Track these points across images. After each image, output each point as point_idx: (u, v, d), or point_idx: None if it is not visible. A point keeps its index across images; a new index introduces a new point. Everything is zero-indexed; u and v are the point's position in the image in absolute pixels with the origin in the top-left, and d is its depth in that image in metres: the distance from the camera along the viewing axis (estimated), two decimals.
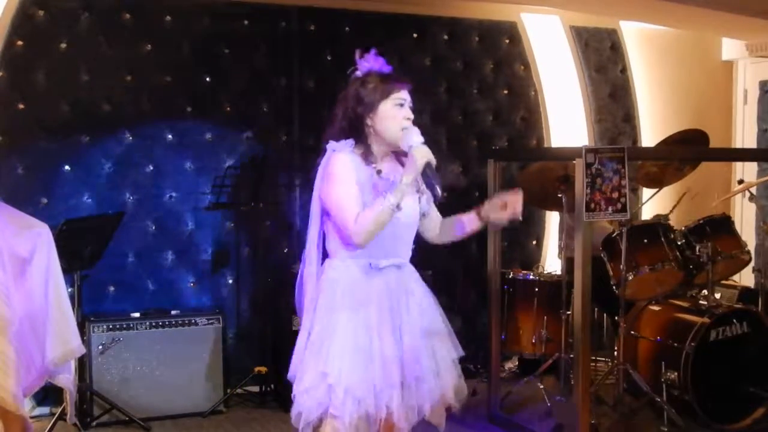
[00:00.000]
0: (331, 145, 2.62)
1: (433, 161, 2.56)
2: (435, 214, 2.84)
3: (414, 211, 2.69)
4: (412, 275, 2.77)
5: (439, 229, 2.85)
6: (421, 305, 2.77)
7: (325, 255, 2.69)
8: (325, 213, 2.63)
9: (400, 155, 2.70)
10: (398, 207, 2.50)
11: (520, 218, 2.74)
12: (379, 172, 2.64)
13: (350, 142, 2.62)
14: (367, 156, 2.63)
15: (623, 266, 4.37)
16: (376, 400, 2.55)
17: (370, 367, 2.56)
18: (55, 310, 3.21)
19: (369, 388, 2.55)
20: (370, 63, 2.68)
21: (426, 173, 2.55)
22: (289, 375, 2.65)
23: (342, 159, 2.58)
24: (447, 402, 2.73)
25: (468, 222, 2.82)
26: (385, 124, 2.61)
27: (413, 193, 2.66)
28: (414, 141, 2.56)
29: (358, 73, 2.68)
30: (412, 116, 2.64)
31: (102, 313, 4.54)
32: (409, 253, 2.75)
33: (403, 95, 2.63)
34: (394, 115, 2.61)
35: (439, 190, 2.55)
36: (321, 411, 2.53)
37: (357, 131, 2.63)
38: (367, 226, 2.50)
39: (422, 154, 2.53)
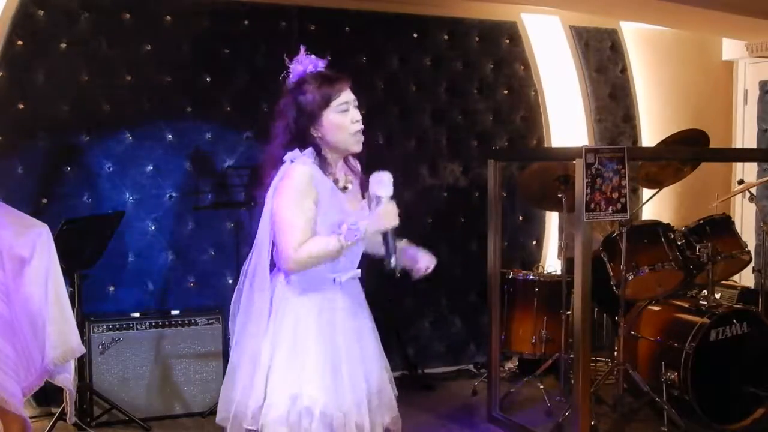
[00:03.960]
0: (289, 155, 2.42)
1: (396, 226, 2.41)
2: None
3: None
4: (359, 287, 2.66)
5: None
6: (368, 317, 2.68)
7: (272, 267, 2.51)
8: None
9: (350, 161, 2.56)
10: (347, 249, 2.35)
11: (426, 273, 2.64)
12: (336, 182, 2.47)
13: (310, 151, 2.43)
14: (324, 166, 2.45)
15: (623, 266, 4.37)
16: (347, 420, 2.45)
17: (339, 387, 2.45)
18: (54, 309, 3.20)
19: (342, 408, 2.45)
20: (303, 64, 2.50)
21: (386, 236, 2.40)
22: (243, 398, 2.44)
23: (301, 171, 2.38)
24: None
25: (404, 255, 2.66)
26: (333, 134, 2.44)
27: (361, 202, 2.53)
28: (383, 194, 2.39)
29: (292, 78, 2.50)
30: (359, 117, 2.47)
31: (102, 313, 4.54)
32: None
33: (345, 97, 2.45)
34: (341, 123, 2.44)
35: (393, 259, 2.40)
36: None
37: (304, 143, 2.44)
38: (306, 258, 2.34)
39: (392, 216, 2.38)
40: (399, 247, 2.55)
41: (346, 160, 2.57)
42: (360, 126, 2.48)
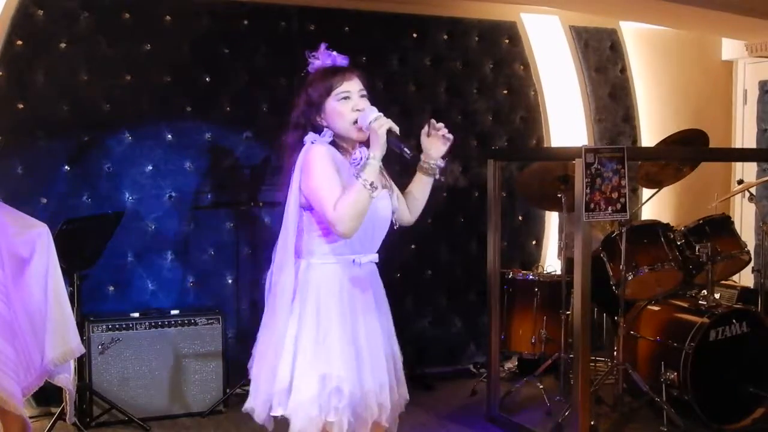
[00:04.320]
0: (310, 136, 2.56)
1: (395, 128, 2.49)
2: (401, 197, 2.78)
3: (387, 207, 2.64)
4: (377, 274, 2.73)
5: (408, 207, 2.79)
6: (386, 307, 2.74)
7: (297, 253, 2.58)
8: (304, 207, 2.55)
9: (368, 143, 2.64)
10: (372, 186, 2.42)
11: (452, 137, 2.64)
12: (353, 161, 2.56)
13: (329, 133, 2.57)
14: (339, 148, 2.58)
15: (623, 266, 4.37)
16: (369, 402, 2.51)
17: (363, 369, 2.52)
18: (54, 309, 3.20)
19: (364, 390, 2.51)
20: (320, 59, 2.62)
21: (390, 140, 2.48)
22: (269, 387, 2.52)
23: (320, 150, 2.52)
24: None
25: (417, 182, 2.73)
26: (334, 121, 2.56)
27: (384, 190, 2.61)
28: (372, 117, 2.48)
29: (310, 71, 2.63)
30: (363, 106, 2.56)
31: (101, 312, 4.54)
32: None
33: (347, 87, 2.55)
34: (340, 111, 2.54)
35: (407, 150, 2.48)
36: (322, 419, 2.46)
37: (314, 131, 2.58)
38: (347, 209, 2.41)
39: (381, 124, 2.45)
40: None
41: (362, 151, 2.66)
42: (357, 114, 2.54)
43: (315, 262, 2.56)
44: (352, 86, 2.56)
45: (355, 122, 2.54)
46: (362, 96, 2.58)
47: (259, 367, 2.61)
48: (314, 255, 2.57)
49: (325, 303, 2.53)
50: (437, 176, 2.69)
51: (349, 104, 2.55)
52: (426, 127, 2.66)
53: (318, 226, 2.55)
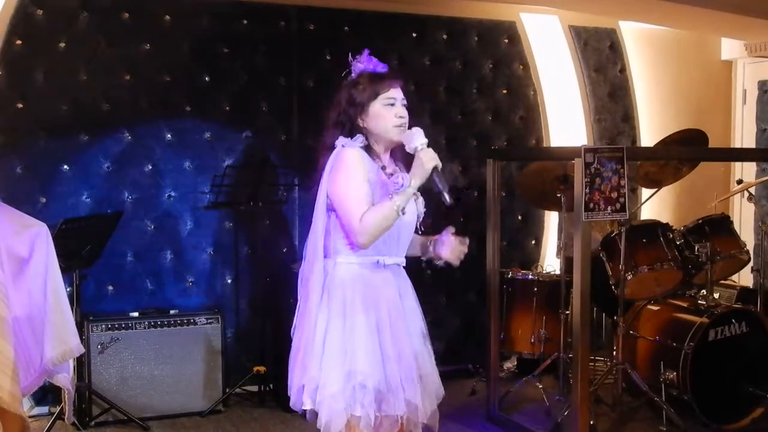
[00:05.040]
0: (341, 140, 2.63)
1: (440, 165, 2.55)
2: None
3: (413, 212, 2.69)
4: (405, 275, 2.79)
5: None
6: (415, 306, 2.79)
7: (324, 253, 2.66)
8: (330, 208, 2.62)
9: (396, 155, 2.72)
10: (403, 211, 2.50)
11: (456, 264, 2.76)
12: (383, 168, 2.64)
13: (360, 138, 2.64)
14: (370, 153, 2.64)
15: (622, 266, 4.38)
16: (396, 398, 2.56)
17: (389, 366, 2.57)
18: (53, 309, 3.20)
19: (391, 386, 2.56)
20: (363, 64, 2.70)
21: (433, 177, 2.54)
22: (299, 381, 2.59)
23: (352, 154, 2.58)
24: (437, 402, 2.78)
25: (420, 246, 2.84)
26: (376, 123, 2.63)
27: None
28: (419, 143, 2.55)
29: (352, 74, 2.70)
30: (405, 114, 2.65)
31: (101, 312, 4.54)
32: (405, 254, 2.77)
33: (393, 94, 2.65)
34: (384, 115, 2.62)
35: (447, 197, 2.55)
36: (348, 414, 2.52)
37: (352, 132, 2.64)
38: (371, 226, 2.50)
39: (429, 158, 2.52)
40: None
41: (393, 156, 2.73)
42: (403, 121, 2.63)
43: (341, 261, 2.63)
44: (398, 94, 2.66)
45: (399, 127, 2.62)
46: (404, 105, 2.68)
47: (293, 361, 2.67)
48: (340, 254, 2.63)
49: (351, 301, 2.59)
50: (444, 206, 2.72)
51: (393, 110, 2.64)
52: (447, 235, 2.77)
53: (342, 228, 2.61)
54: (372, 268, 2.64)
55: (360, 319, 2.57)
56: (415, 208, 2.72)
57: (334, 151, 2.62)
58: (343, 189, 2.55)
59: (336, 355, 2.55)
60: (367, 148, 2.64)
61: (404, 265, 2.76)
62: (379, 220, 2.49)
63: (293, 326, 2.72)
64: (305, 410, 2.59)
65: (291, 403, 2.66)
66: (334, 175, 2.58)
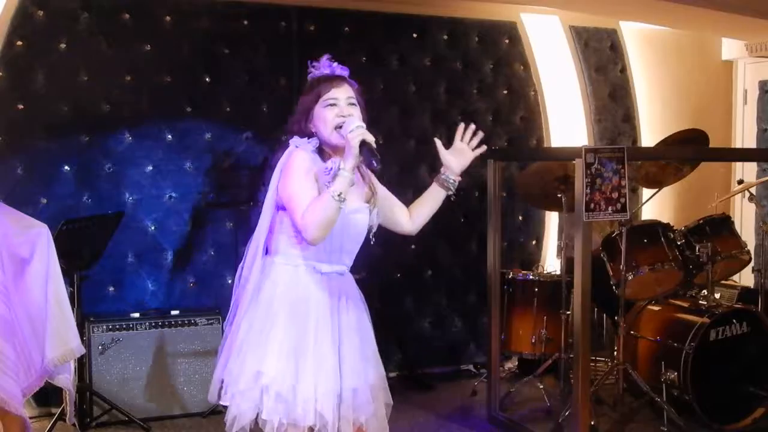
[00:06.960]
0: (295, 140, 2.63)
1: (370, 138, 2.49)
2: (399, 206, 2.83)
3: (364, 222, 2.65)
4: (351, 283, 2.73)
5: (411, 216, 2.83)
6: (358, 317, 2.71)
7: (265, 250, 2.66)
8: (277, 207, 2.61)
9: (361, 165, 2.66)
10: (341, 197, 2.42)
11: (482, 150, 2.80)
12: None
13: (314, 140, 2.62)
14: (322, 155, 2.62)
15: (623, 266, 4.37)
16: (307, 407, 2.50)
17: (304, 373, 2.52)
18: (54, 310, 3.20)
19: (301, 395, 2.50)
20: (319, 69, 2.68)
21: (364, 153, 2.48)
22: (219, 375, 2.65)
23: (301, 156, 2.58)
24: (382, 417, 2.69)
25: (430, 194, 2.82)
26: (318, 126, 2.61)
27: (364, 205, 2.64)
28: (351, 127, 2.50)
29: (309, 79, 2.69)
30: (350, 112, 2.59)
31: (102, 313, 4.54)
32: (351, 263, 2.71)
33: (335, 94, 2.59)
34: (324, 117, 2.59)
35: (375, 162, 2.48)
36: (254, 414, 2.51)
37: (305, 136, 2.64)
38: (313, 218, 2.44)
39: (355, 135, 2.47)
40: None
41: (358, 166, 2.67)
42: (342, 120, 2.56)
43: (279, 262, 2.62)
44: (340, 93, 2.61)
45: (339, 128, 2.56)
46: (351, 104, 2.61)
47: (219, 355, 2.70)
48: (279, 254, 2.62)
49: (278, 302, 2.57)
50: (452, 192, 2.77)
51: (335, 111, 2.59)
52: (459, 133, 2.73)
53: (292, 228, 2.58)
54: (309, 273, 2.59)
55: (281, 322, 2.54)
56: (367, 219, 2.66)
57: (286, 151, 2.62)
58: (291, 188, 2.53)
59: (250, 353, 2.54)
60: (320, 150, 2.62)
61: (345, 272, 2.68)
62: (318, 211, 2.43)
63: (226, 321, 2.72)
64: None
65: (208, 396, 2.70)
66: (284, 174, 2.57)
